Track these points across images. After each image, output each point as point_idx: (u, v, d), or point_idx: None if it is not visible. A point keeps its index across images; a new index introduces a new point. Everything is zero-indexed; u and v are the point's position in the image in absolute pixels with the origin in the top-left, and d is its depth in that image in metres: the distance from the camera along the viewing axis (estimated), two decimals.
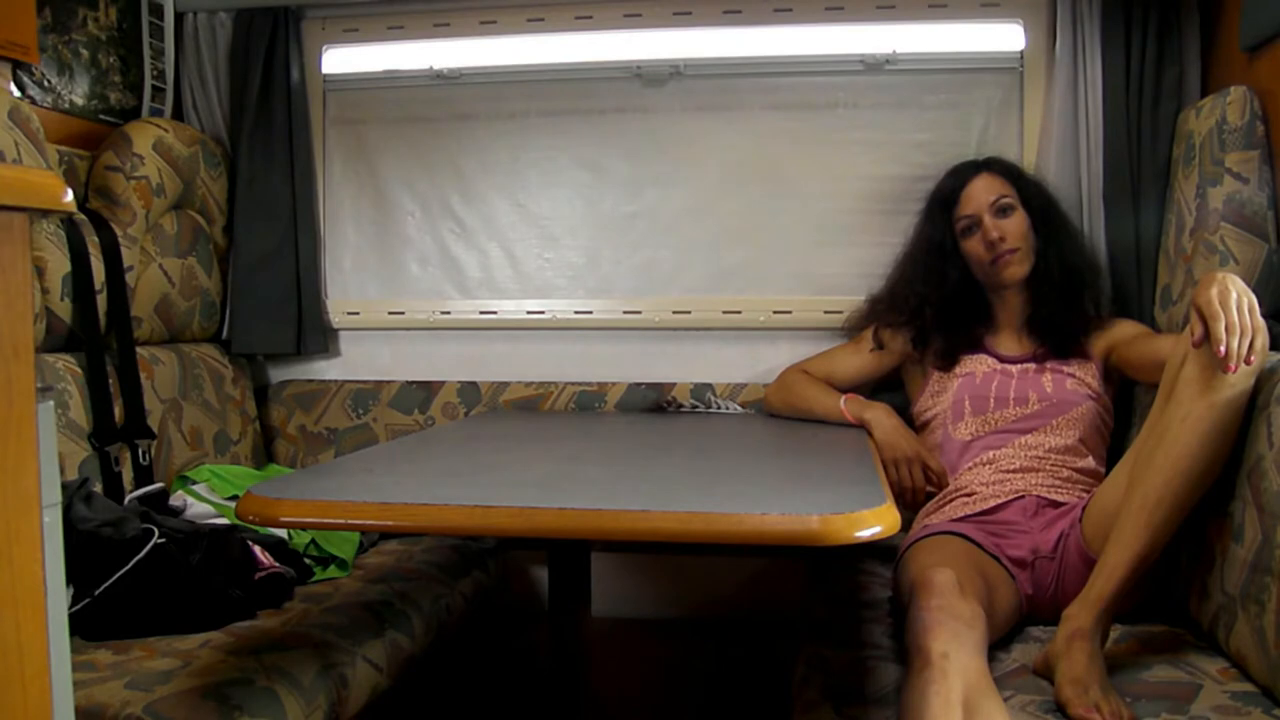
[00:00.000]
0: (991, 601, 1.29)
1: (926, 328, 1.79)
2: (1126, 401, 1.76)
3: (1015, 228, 1.70)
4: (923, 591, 1.21)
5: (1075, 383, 1.66)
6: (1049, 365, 1.69)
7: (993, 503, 1.55)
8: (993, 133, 2.02)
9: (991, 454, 1.63)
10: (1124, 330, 1.70)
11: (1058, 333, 1.70)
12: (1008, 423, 1.65)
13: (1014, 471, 1.59)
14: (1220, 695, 1.14)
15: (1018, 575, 1.42)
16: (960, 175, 1.77)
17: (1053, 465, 1.59)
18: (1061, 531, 1.46)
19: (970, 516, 1.54)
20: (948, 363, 1.76)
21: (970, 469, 1.64)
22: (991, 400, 1.67)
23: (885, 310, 1.85)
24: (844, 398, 1.79)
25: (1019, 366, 1.70)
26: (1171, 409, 1.23)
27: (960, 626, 1.14)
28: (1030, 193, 1.74)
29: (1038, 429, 1.63)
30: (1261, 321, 1.19)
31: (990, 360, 1.73)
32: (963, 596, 1.20)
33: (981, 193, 1.72)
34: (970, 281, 1.77)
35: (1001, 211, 1.70)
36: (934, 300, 1.77)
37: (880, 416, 1.73)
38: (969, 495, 1.59)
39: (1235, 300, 1.17)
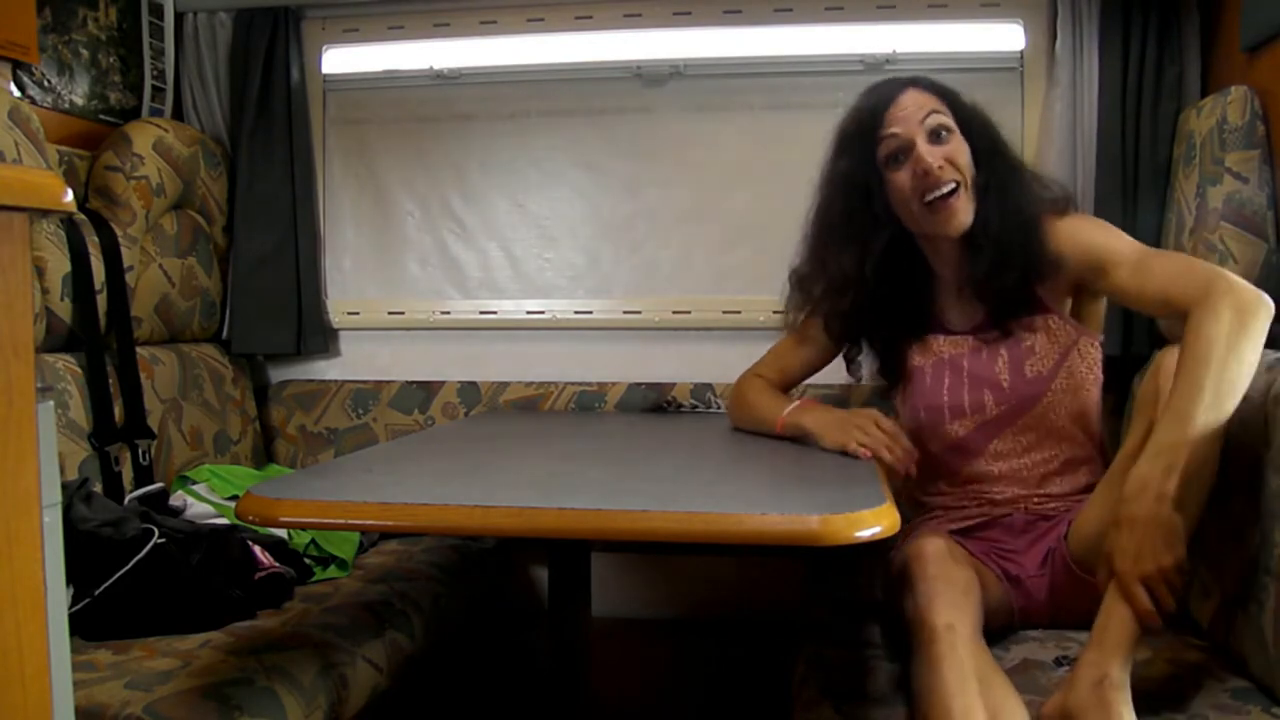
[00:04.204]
0: (981, 583, 1.27)
1: (859, 338, 1.55)
2: (1123, 396, 1.75)
3: (956, 155, 1.36)
4: (916, 561, 1.20)
5: (1035, 361, 1.40)
6: (1002, 343, 1.42)
7: (978, 519, 1.45)
8: None
9: (966, 469, 1.46)
10: (1080, 255, 1.37)
11: (1001, 297, 1.41)
12: (969, 431, 1.44)
13: (993, 482, 1.44)
14: (1220, 694, 1.14)
15: (1006, 585, 1.37)
16: (881, 92, 1.41)
17: (1035, 475, 1.43)
18: (1048, 549, 1.38)
19: (955, 531, 1.44)
20: (893, 378, 1.53)
21: (947, 485, 1.49)
22: (946, 411, 1.45)
23: (811, 296, 1.54)
24: (786, 411, 1.45)
25: (969, 356, 1.44)
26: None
27: (957, 595, 1.14)
28: (968, 115, 1.41)
29: (1004, 432, 1.43)
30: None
31: (937, 345, 1.48)
32: (954, 561, 1.20)
33: (912, 108, 1.37)
34: (903, 240, 1.44)
35: (936, 136, 1.36)
36: (862, 294, 1.45)
37: (813, 418, 1.40)
38: (949, 510, 1.48)
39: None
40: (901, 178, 1.37)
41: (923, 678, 1.07)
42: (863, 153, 1.40)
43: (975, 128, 1.40)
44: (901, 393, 1.54)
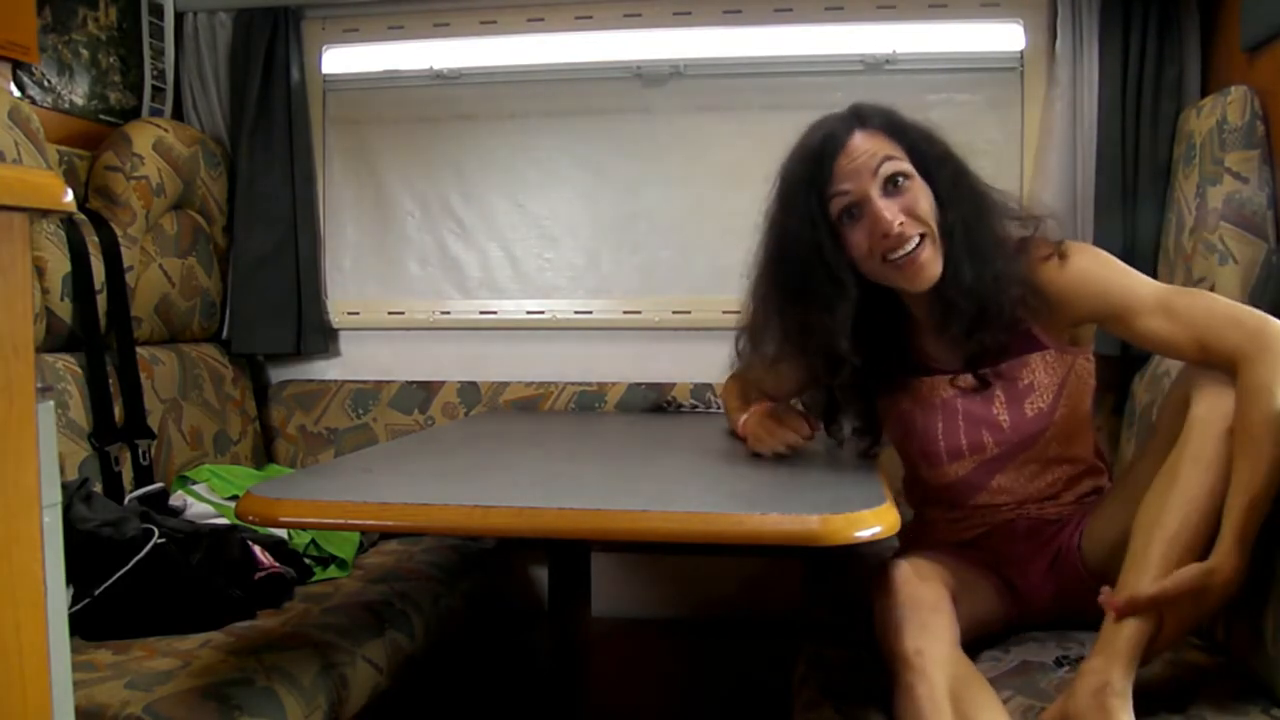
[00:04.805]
0: (969, 593, 1.26)
1: (836, 395, 1.41)
2: (1123, 396, 1.75)
3: (916, 205, 1.23)
4: (882, 590, 1.20)
5: (1035, 398, 1.32)
6: (997, 382, 1.33)
7: (980, 530, 1.42)
8: (993, 133, 2.02)
9: (966, 502, 1.41)
10: (1093, 300, 1.26)
11: (981, 347, 1.30)
12: (970, 470, 1.38)
13: (996, 506, 1.40)
14: (1220, 694, 1.14)
15: (1005, 593, 1.35)
16: (827, 136, 1.26)
17: (1038, 492, 1.39)
18: (1055, 554, 1.36)
19: (954, 544, 1.42)
20: (874, 433, 1.43)
21: (947, 509, 1.45)
22: (944, 455, 1.37)
23: (773, 361, 1.38)
24: (742, 421, 1.41)
25: (963, 397, 1.35)
26: (1187, 451, 1.12)
27: (926, 615, 1.13)
28: (925, 150, 1.27)
29: (1005, 469, 1.37)
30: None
31: (925, 387, 1.37)
32: (922, 581, 1.19)
33: (863, 157, 1.23)
34: (868, 284, 1.29)
35: (892, 184, 1.23)
36: (839, 363, 1.29)
37: (750, 429, 1.37)
38: (951, 524, 1.45)
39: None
40: (859, 236, 1.23)
41: (898, 705, 1.08)
42: (811, 207, 1.25)
43: (934, 163, 1.26)
44: (894, 435, 1.45)
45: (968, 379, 1.33)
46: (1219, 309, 1.17)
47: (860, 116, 1.27)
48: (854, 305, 1.27)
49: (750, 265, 1.36)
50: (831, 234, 1.26)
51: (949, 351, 1.34)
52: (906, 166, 1.24)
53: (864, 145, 1.24)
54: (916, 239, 1.22)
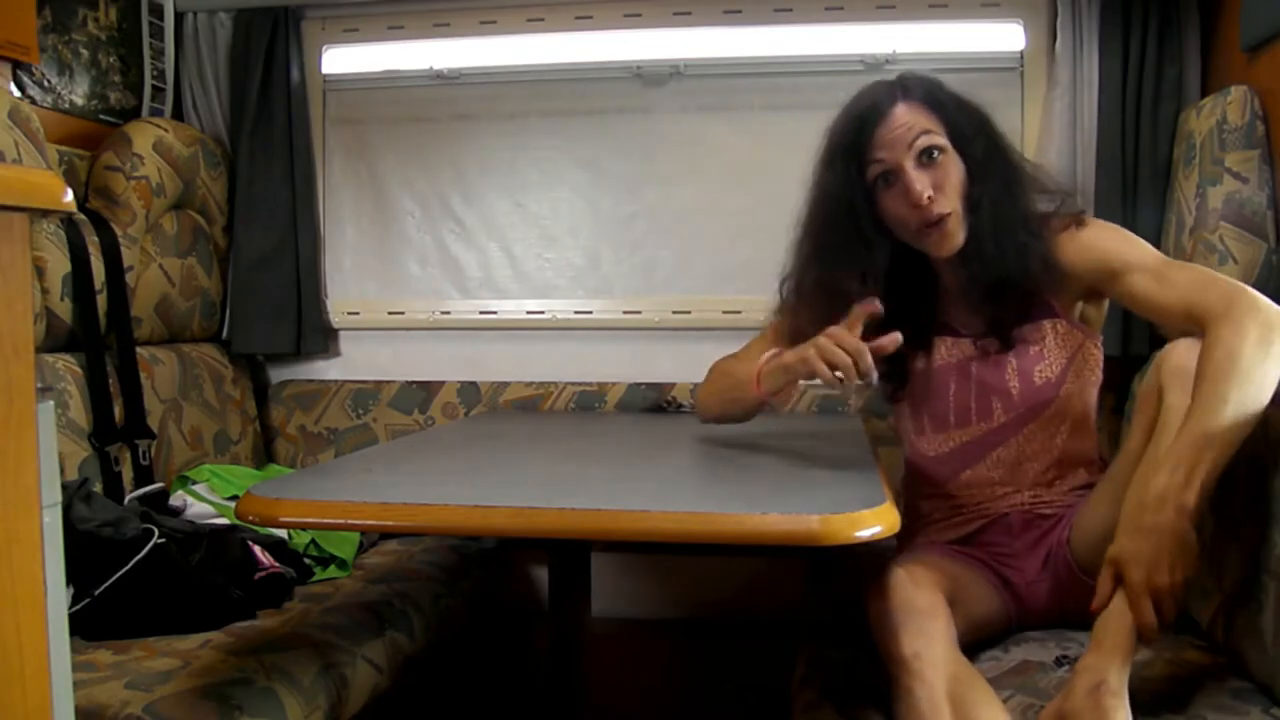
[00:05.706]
0: (966, 596, 1.27)
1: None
2: (1123, 396, 1.75)
3: (946, 180, 1.31)
4: (877, 597, 1.20)
5: (1044, 367, 1.38)
6: (1011, 348, 1.39)
7: (977, 524, 1.42)
8: None
9: (966, 474, 1.43)
10: (1094, 262, 1.32)
11: (999, 313, 1.38)
12: (974, 438, 1.42)
13: (992, 487, 1.42)
14: (1219, 694, 1.14)
15: (1003, 593, 1.37)
16: (872, 104, 1.34)
17: (1034, 477, 1.41)
18: (1049, 550, 1.37)
19: (953, 540, 1.44)
20: (898, 380, 1.47)
21: (945, 488, 1.46)
22: (952, 417, 1.43)
23: (812, 311, 1.38)
24: (763, 359, 1.36)
25: (978, 361, 1.41)
26: (1162, 441, 1.13)
27: (922, 620, 1.14)
28: (962, 127, 1.34)
29: (1009, 440, 1.41)
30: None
31: (944, 348, 1.44)
32: (916, 586, 1.19)
33: (901, 130, 1.31)
34: (897, 250, 1.38)
35: (926, 156, 1.31)
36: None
37: (792, 351, 1.29)
38: (948, 517, 1.47)
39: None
40: (892, 202, 1.33)
41: (898, 709, 1.09)
42: (851, 170, 1.34)
43: (968, 139, 1.34)
44: (903, 396, 1.49)
45: (993, 342, 1.39)
46: (1203, 276, 1.23)
47: (905, 87, 1.35)
48: (880, 266, 1.35)
49: (797, 222, 1.44)
50: (866, 196, 1.35)
51: (972, 317, 1.41)
52: (942, 141, 1.32)
53: (904, 117, 1.31)
54: (945, 211, 1.30)
